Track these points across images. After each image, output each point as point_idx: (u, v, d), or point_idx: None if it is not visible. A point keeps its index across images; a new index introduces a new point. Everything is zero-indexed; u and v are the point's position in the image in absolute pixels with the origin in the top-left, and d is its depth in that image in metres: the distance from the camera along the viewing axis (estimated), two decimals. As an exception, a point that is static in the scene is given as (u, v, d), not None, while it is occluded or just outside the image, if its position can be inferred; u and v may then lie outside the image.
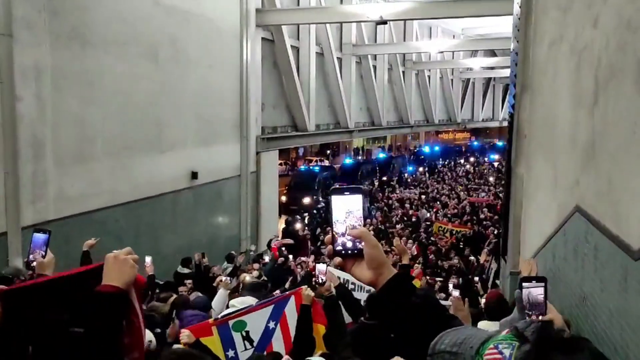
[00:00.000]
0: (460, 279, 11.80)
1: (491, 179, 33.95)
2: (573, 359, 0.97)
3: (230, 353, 4.85)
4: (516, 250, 7.13)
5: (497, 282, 9.77)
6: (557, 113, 4.63)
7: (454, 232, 18.44)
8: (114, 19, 10.10)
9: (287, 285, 8.57)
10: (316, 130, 21.31)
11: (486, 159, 46.62)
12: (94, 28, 9.64)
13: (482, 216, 21.55)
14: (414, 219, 21.72)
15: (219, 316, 5.23)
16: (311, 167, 32.15)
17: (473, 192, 29.12)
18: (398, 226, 20.14)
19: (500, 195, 21.78)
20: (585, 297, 3.25)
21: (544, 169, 5.36)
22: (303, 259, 13.48)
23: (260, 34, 16.30)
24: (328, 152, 47.08)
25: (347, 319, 5.19)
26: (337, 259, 1.45)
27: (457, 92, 41.04)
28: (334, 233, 1.45)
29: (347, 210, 1.44)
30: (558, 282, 4.10)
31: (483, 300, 6.25)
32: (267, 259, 12.00)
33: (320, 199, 24.42)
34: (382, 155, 41.68)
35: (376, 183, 31.83)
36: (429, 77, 35.95)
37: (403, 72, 31.94)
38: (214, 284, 8.39)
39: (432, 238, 18.11)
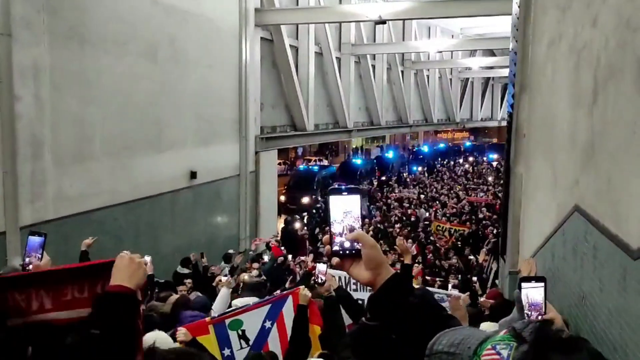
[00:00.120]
0: (460, 276, 11.82)
1: (490, 178, 33.94)
2: (571, 359, 0.97)
3: (226, 352, 4.86)
4: (515, 250, 7.13)
5: (496, 281, 9.76)
6: (556, 112, 4.63)
7: (452, 232, 18.44)
8: (113, 18, 10.10)
9: (287, 285, 8.56)
10: (315, 130, 21.32)
11: (484, 158, 46.61)
12: (93, 27, 9.64)
13: (480, 216, 21.55)
14: (413, 219, 21.71)
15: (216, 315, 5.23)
16: (310, 167, 32.14)
17: (472, 191, 29.12)
18: (397, 226, 20.13)
19: (499, 194, 21.80)
20: (585, 297, 3.24)
21: (543, 169, 5.35)
22: (302, 258, 13.47)
23: (259, 34, 16.30)
24: (327, 152, 47.11)
25: (347, 320, 5.19)
26: (335, 259, 1.45)
27: (455, 91, 41.07)
28: (331, 233, 1.44)
29: (345, 210, 1.44)
30: (557, 281, 4.10)
31: (482, 299, 6.24)
32: (266, 258, 11.98)
33: (319, 198, 24.42)
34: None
35: (375, 183, 31.83)
36: (427, 76, 35.98)
37: (402, 71, 31.96)
38: (213, 284, 8.38)
39: (431, 238, 18.11)
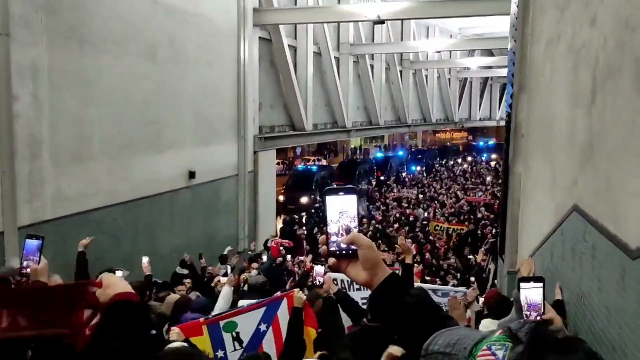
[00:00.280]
0: (458, 276, 11.82)
1: (488, 178, 33.96)
2: (567, 359, 0.96)
3: (220, 353, 4.85)
4: (514, 250, 7.14)
5: (495, 281, 9.77)
6: (554, 112, 4.63)
7: (450, 231, 18.44)
8: (112, 18, 10.08)
9: (288, 286, 8.54)
10: (314, 130, 21.33)
11: (483, 157, 46.66)
12: (92, 27, 9.62)
13: (479, 215, 21.55)
14: (411, 218, 21.70)
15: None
16: (309, 167, 32.13)
17: (470, 191, 29.13)
18: (395, 225, 20.12)
19: (498, 194, 21.81)
20: (583, 296, 3.24)
21: (541, 168, 5.35)
22: (301, 258, 13.46)
23: (257, 34, 16.30)
24: (325, 151, 47.10)
25: (347, 321, 5.19)
26: (332, 260, 1.45)
27: (454, 91, 41.13)
28: (327, 233, 1.44)
29: (341, 210, 1.43)
30: (556, 281, 4.10)
31: (481, 300, 6.25)
32: (265, 258, 11.96)
33: (318, 198, 24.41)
34: (379, 155, 41.49)
35: (374, 182, 31.83)
36: (426, 76, 36.02)
37: (400, 71, 31.98)
38: (212, 284, 8.36)
39: (430, 237, 18.10)
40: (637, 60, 2.39)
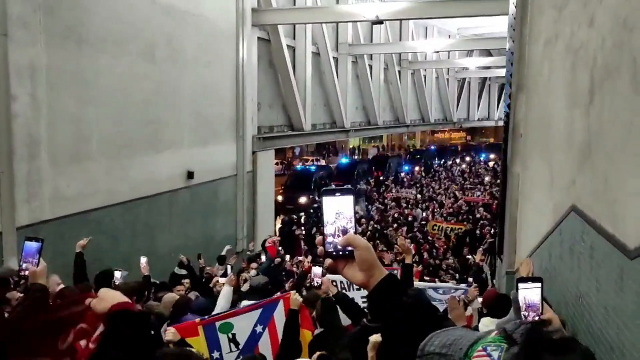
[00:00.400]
0: (457, 276, 11.83)
1: (487, 178, 33.98)
2: (564, 359, 0.96)
3: (216, 354, 4.84)
4: (512, 250, 7.14)
5: (494, 281, 9.77)
6: (552, 112, 4.63)
7: (449, 231, 18.44)
8: (110, 18, 10.07)
9: (287, 287, 8.53)
10: (312, 130, 21.32)
11: (481, 157, 46.67)
12: (90, 27, 9.61)
13: (478, 215, 21.57)
14: (410, 218, 21.72)
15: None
16: (307, 167, 32.12)
17: (468, 191, 29.16)
18: (394, 225, 20.13)
19: (496, 194, 21.82)
20: (581, 296, 3.24)
21: (539, 169, 5.36)
22: (300, 258, 13.46)
23: (256, 34, 16.29)
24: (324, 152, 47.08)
25: (345, 321, 5.19)
26: (328, 260, 1.45)
27: (452, 91, 41.14)
28: (324, 234, 1.44)
29: (338, 211, 1.43)
30: (554, 281, 4.10)
31: (480, 300, 6.25)
32: (264, 259, 11.95)
33: (317, 198, 24.41)
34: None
35: (372, 182, 31.82)
36: (424, 76, 36.02)
37: (399, 71, 31.98)
38: (210, 285, 8.36)
39: (428, 237, 18.11)
40: (635, 60, 2.39)
